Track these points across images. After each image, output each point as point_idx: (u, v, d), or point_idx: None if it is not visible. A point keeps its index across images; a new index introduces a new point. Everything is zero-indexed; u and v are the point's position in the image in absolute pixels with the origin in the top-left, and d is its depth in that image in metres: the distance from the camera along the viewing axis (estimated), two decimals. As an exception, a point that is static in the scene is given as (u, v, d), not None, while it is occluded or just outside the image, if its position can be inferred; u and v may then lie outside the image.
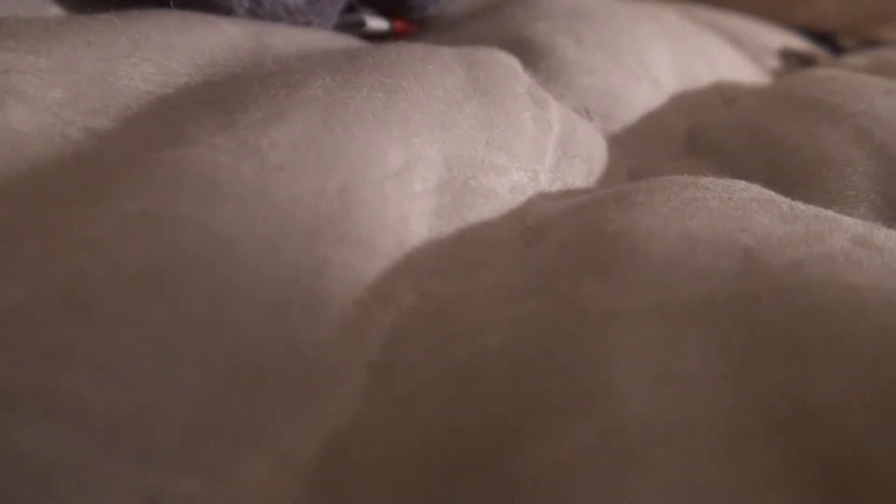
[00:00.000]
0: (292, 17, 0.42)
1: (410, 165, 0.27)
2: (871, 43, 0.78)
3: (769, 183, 0.30)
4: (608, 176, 0.38)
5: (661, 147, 0.44)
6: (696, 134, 0.45)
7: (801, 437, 0.17)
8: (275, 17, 0.41)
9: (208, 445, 0.17)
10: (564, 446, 0.17)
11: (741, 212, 0.26)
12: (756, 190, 0.29)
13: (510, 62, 0.39)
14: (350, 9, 0.49)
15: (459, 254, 0.25)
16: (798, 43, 0.74)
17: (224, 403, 0.18)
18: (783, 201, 0.28)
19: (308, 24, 0.43)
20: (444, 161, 0.29)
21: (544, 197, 0.32)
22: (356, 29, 0.48)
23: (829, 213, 0.27)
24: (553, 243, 0.26)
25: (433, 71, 0.34)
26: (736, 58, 0.63)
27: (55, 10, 0.38)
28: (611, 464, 0.16)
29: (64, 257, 0.19)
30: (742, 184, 0.30)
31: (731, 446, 0.17)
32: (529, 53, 0.44)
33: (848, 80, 0.47)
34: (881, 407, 0.17)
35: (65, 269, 0.19)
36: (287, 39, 0.37)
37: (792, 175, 0.36)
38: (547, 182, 0.33)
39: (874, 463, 0.16)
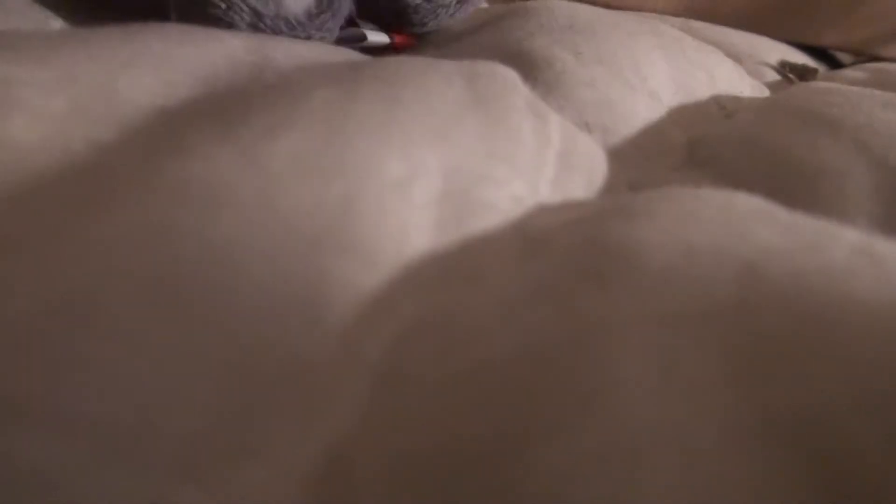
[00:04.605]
0: (294, 31, 0.42)
1: (410, 177, 0.28)
2: (869, 60, 0.78)
3: (769, 195, 0.30)
4: (608, 188, 0.38)
5: (660, 159, 0.44)
6: (696, 146, 0.45)
7: (802, 443, 0.17)
8: (276, 31, 0.41)
9: (208, 454, 0.17)
10: (566, 453, 0.17)
11: (741, 223, 0.26)
12: (756, 202, 0.29)
13: (510, 75, 0.39)
14: (351, 23, 0.49)
15: (460, 265, 0.25)
16: (796, 56, 0.74)
17: (224, 413, 0.18)
18: (783, 213, 0.28)
19: (309, 38, 0.43)
20: (444, 173, 0.29)
21: (544, 209, 0.32)
22: (357, 43, 0.48)
23: (829, 224, 0.27)
24: (553, 254, 0.26)
25: (433, 83, 0.34)
26: (735, 71, 0.63)
27: (57, 24, 0.38)
28: (612, 470, 0.16)
29: (65, 267, 0.19)
30: (742, 196, 0.30)
31: (732, 451, 0.17)
32: (529, 66, 0.45)
33: (847, 92, 0.47)
34: (881, 413, 0.17)
35: (66, 279, 0.19)
36: (288, 53, 0.38)
37: (791, 187, 0.36)
38: (547, 194, 0.33)
39: (875, 470, 0.16)
